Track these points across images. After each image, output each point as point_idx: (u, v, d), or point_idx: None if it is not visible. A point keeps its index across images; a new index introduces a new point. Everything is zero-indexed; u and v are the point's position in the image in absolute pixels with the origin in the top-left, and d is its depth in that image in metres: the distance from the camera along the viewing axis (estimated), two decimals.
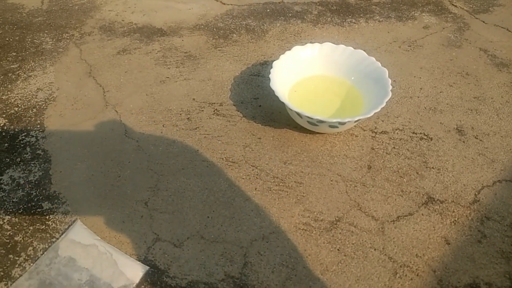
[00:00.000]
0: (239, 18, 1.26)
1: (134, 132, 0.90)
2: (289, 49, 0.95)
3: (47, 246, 0.68)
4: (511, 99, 1.00)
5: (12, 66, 1.08)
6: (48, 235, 0.70)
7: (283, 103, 0.82)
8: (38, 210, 0.74)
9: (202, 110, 0.95)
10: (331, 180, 0.80)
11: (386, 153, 0.86)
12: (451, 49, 1.16)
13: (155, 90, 1.01)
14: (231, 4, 1.33)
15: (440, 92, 1.01)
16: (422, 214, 0.75)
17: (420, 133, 0.91)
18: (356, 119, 0.79)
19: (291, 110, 0.83)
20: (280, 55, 0.94)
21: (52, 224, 0.72)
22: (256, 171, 0.82)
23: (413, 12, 1.31)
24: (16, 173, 0.81)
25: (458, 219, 0.75)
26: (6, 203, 0.75)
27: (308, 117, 0.80)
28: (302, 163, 0.84)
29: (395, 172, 0.82)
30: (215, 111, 0.96)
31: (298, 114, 0.82)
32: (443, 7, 1.35)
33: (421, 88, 1.02)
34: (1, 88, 1.01)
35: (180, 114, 0.94)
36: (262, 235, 0.70)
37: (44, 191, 0.78)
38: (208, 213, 0.74)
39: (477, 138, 0.90)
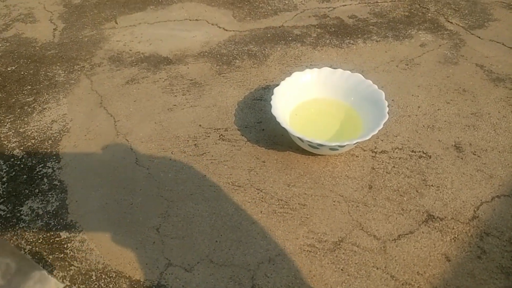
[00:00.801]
0: (241, 44, 1.32)
1: (144, 160, 0.94)
2: (289, 75, 1.00)
3: (66, 275, 0.72)
4: (508, 113, 1.03)
5: (27, 99, 1.14)
6: (66, 263, 0.74)
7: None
8: (57, 239, 0.78)
9: (208, 136, 1.00)
10: (334, 201, 0.84)
11: (386, 172, 0.89)
12: (447, 66, 1.19)
13: (163, 118, 1.06)
14: (233, 30, 1.39)
15: (438, 109, 1.05)
16: (423, 232, 0.78)
17: (419, 151, 0.94)
18: (354, 142, 0.82)
19: (293, 135, 0.87)
20: (280, 80, 0.98)
21: (70, 253, 0.76)
22: (261, 194, 0.85)
23: (409, 31, 1.35)
24: (35, 204, 0.86)
25: (458, 235, 0.77)
26: (27, 233, 0.80)
27: (309, 141, 0.84)
28: (305, 185, 0.87)
29: (395, 191, 0.85)
30: (221, 136, 1.00)
31: (299, 138, 0.86)
32: (439, 24, 1.38)
33: (419, 107, 1.06)
34: (18, 121, 1.07)
35: (188, 140, 0.99)
36: (269, 258, 0.74)
37: (61, 220, 0.82)
38: (216, 237, 0.77)
39: (475, 154, 0.93)
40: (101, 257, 0.75)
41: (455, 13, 1.44)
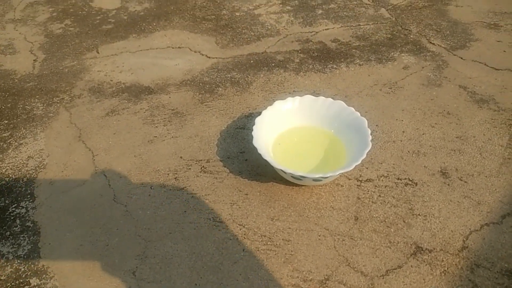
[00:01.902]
0: (224, 71, 1.30)
1: (122, 197, 0.91)
2: (272, 103, 0.98)
3: None
4: (493, 136, 1.01)
5: (3, 135, 1.11)
6: None
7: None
8: (26, 287, 0.74)
9: (189, 169, 0.97)
10: (319, 235, 0.81)
11: (372, 202, 0.87)
12: (431, 88, 1.19)
13: (143, 150, 1.03)
14: (216, 58, 1.37)
15: (423, 134, 1.03)
16: (411, 266, 0.75)
17: (405, 179, 0.92)
18: (338, 173, 0.80)
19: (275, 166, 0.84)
20: (263, 107, 0.97)
21: None
22: (244, 230, 0.82)
23: (392, 53, 1.35)
24: (5, 248, 0.81)
25: (447, 268, 0.74)
26: None
27: (292, 173, 0.81)
28: (289, 219, 0.84)
29: (382, 222, 0.83)
30: (202, 168, 0.97)
31: (282, 170, 0.83)
32: (421, 46, 1.39)
33: (403, 131, 1.04)
34: None
35: (168, 174, 0.96)
36: None
37: (32, 266, 0.78)
38: (196, 280, 0.74)
39: (461, 180, 0.91)
40: None
41: (437, 34, 1.45)
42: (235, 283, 0.73)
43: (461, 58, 1.32)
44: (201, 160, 0.99)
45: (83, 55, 1.44)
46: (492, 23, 1.48)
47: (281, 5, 1.67)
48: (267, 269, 0.75)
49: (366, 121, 0.90)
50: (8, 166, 1.01)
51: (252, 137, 0.89)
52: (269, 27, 1.53)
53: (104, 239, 0.82)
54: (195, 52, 1.42)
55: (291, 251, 0.78)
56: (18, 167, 1.00)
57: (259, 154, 0.86)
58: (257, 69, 1.30)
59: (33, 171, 0.99)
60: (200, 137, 1.06)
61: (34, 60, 1.44)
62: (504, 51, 1.32)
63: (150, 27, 1.58)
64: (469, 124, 1.06)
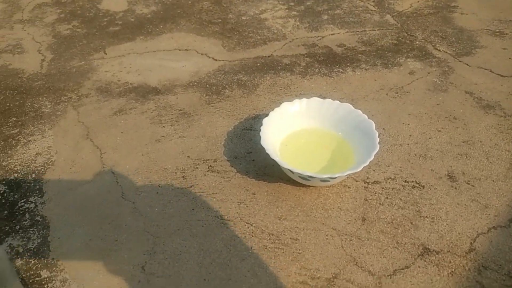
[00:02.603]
0: (231, 73, 1.31)
1: (130, 194, 0.91)
2: (278, 105, 0.99)
3: None
4: (499, 141, 1.02)
5: (12, 132, 1.12)
6: None
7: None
8: (37, 279, 0.74)
9: (197, 168, 0.97)
10: (326, 235, 0.81)
11: (380, 203, 0.87)
12: (437, 93, 1.20)
13: (151, 149, 1.03)
14: (223, 60, 1.39)
15: (429, 138, 1.04)
16: (419, 266, 0.75)
17: (412, 181, 0.92)
18: (346, 174, 0.80)
19: (283, 166, 0.85)
20: (270, 109, 0.97)
21: None
22: (251, 229, 0.82)
23: (398, 59, 1.36)
24: (15, 241, 0.82)
25: (455, 270, 0.75)
26: None
27: (300, 173, 0.82)
28: (297, 218, 0.85)
29: (389, 223, 0.83)
30: (210, 167, 0.98)
31: (290, 170, 0.84)
32: (427, 51, 1.40)
33: (410, 135, 1.05)
34: (2, 154, 1.04)
35: (175, 172, 0.96)
36: None
37: (42, 258, 0.78)
38: (204, 275, 0.74)
39: (468, 184, 0.91)
40: None
41: (442, 41, 1.46)
42: (243, 279, 0.73)
43: (467, 64, 1.33)
44: (208, 160, 1.00)
45: (91, 56, 1.46)
46: (497, 30, 1.49)
47: (287, 10, 1.69)
48: (275, 267, 0.75)
49: (373, 124, 0.91)
50: (17, 162, 1.01)
51: (259, 137, 0.90)
52: (275, 31, 1.54)
53: (113, 234, 0.82)
54: (202, 54, 1.43)
55: (299, 249, 0.78)
56: (27, 164, 1.01)
57: (267, 154, 0.86)
58: (264, 72, 1.31)
59: (42, 167, 1.00)
60: (207, 137, 1.07)
61: (42, 59, 1.45)
62: (510, 58, 1.34)
63: (157, 29, 1.60)
64: (475, 129, 1.06)
